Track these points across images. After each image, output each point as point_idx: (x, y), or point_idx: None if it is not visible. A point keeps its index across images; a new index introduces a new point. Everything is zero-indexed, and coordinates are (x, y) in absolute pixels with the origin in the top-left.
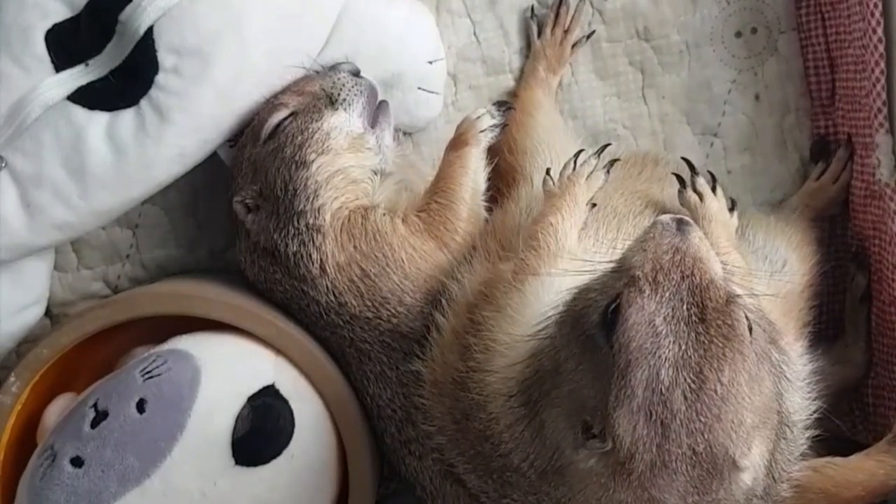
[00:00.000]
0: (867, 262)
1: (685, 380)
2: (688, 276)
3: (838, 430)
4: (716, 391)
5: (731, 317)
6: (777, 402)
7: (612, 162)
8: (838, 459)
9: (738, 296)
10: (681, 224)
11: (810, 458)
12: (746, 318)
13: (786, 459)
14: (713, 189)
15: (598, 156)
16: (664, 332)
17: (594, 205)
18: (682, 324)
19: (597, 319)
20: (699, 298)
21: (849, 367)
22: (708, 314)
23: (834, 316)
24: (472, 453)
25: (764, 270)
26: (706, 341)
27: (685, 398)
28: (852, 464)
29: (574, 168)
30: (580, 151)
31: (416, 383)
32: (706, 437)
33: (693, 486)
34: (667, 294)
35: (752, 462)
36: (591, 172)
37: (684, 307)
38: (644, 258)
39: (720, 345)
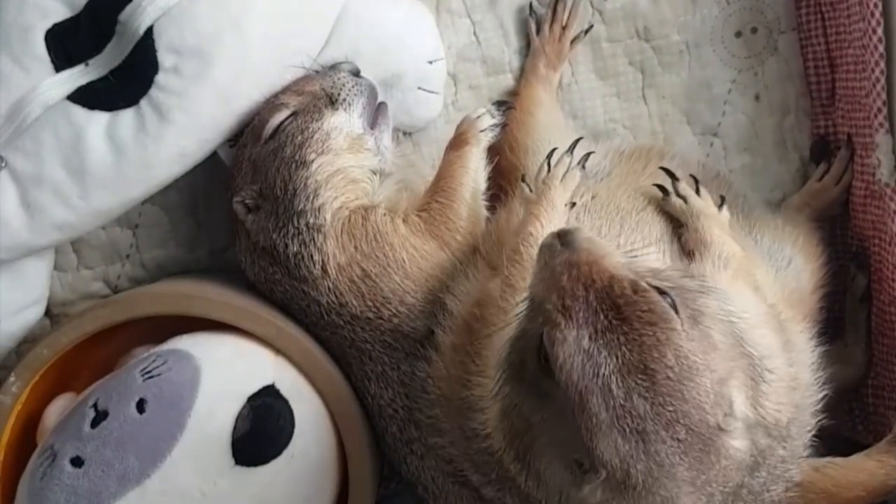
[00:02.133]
0: (867, 262)
1: (637, 383)
2: (590, 285)
3: (838, 430)
4: (669, 377)
5: (645, 301)
6: (736, 345)
7: (587, 156)
8: (839, 459)
9: (642, 278)
10: (564, 237)
11: (810, 459)
12: (661, 293)
13: (777, 402)
14: (696, 191)
15: (571, 153)
16: (595, 350)
17: (573, 203)
18: (607, 333)
19: (534, 366)
20: (610, 300)
21: (849, 367)
22: (624, 310)
23: (834, 316)
24: (487, 468)
25: (769, 267)
26: (637, 337)
27: (645, 398)
28: (853, 464)
29: (548, 170)
30: (553, 151)
31: (426, 402)
32: (683, 422)
33: (695, 469)
34: (581, 315)
35: (738, 415)
36: (566, 172)
37: (601, 317)
38: (546, 289)
39: (650, 333)
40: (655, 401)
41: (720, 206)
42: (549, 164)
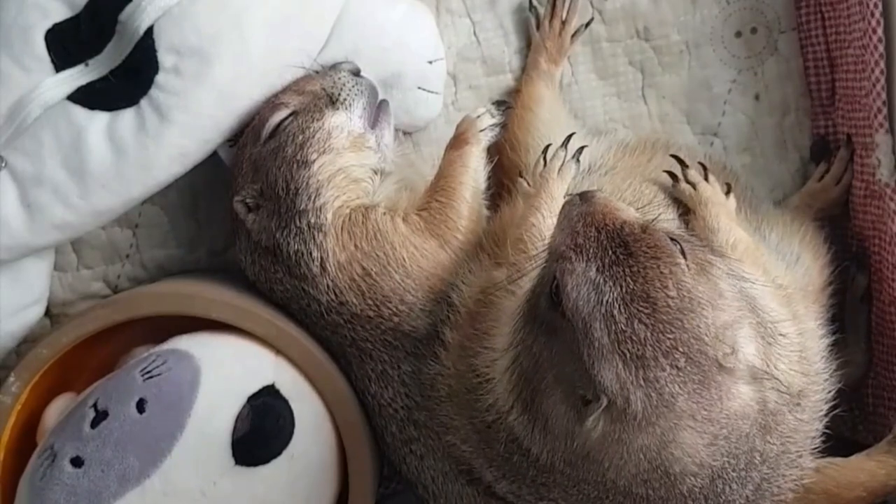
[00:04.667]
0: (867, 262)
1: (638, 310)
2: (602, 227)
3: (838, 430)
4: (669, 306)
5: (652, 238)
6: (746, 303)
7: (581, 149)
8: (839, 460)
9: (653, 221)
10: (584, 195)
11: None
12: (670, 237)
13: (790, 367)
14: (706, 178)
15: (566, 147)
16: (601, 280)
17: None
18: (614, 266)
19: (545, 304)
20: (619, 239)
21: (849, 367)
22: (631, 246)
23: (834, 316)
24: (500, 461)
25: (779, 262)
26: (641, 269)
27: (645, 325)
28: (853, 464)
29: (544, 164)
30: (548, 146)
31: (436, 398)
32: (681, 349)
33: (695, 402)
34: (591, 250)
35: (743, 360)
36: (562, 165)
37: (610, 252)
38: (563, 236)
39: (654, 266)
40: (656, 328)
41: (727, 194)
42: (544, 159)
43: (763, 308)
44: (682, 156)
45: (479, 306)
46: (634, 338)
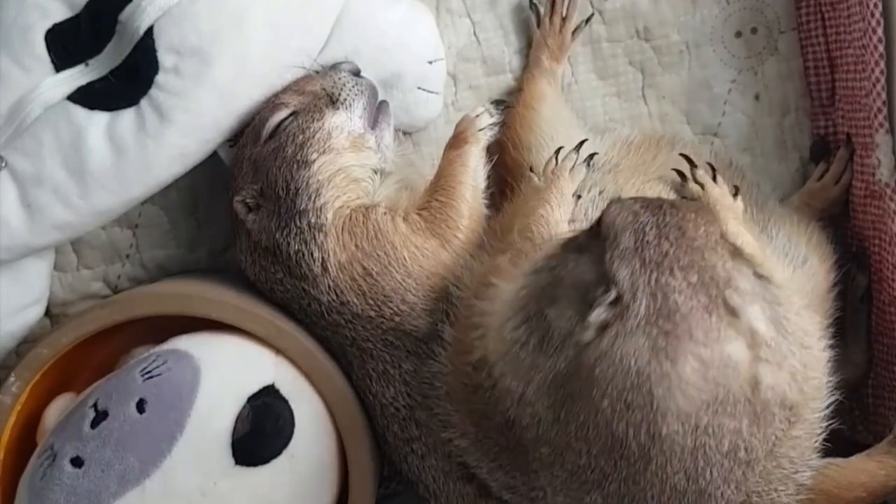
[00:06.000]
0: (867, 262)
1: (668, 233)
2: (658, 200)
3: (838, 430)
4: (696, 238)
5: (701, 207)
6: (765, 293)
7: (592, 155)
8: (839, 460)
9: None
10: None
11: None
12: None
13: (793, 372)
14: (714, 179)
15: (577, 151)
16: (643, 211)
17: (580, 196)
18: (657, 209)
19: (588, 231)
20: (671, 203)
21: (849, 367)
22: (679, 205)
23: (834, 316)
24: (496, 451)
25: (787, 265)
26: (680, 212)
27: (671, 243)
28: (853, 465)
29: (556, 163)
30: (560, 149)
31: (435, 396)
32: (696, 270)
33: (695, 321)
34: (642, 200)
35: (746, 318)
36: (573, 167)
37: (658, 202)
38: None
39: (693, 213)
40: (679, 248)
41: (735, 196)
42: (556, 159)
43: (788, 307)
44: (690, 154)
45: (481, 287)
46: (658, 249)
